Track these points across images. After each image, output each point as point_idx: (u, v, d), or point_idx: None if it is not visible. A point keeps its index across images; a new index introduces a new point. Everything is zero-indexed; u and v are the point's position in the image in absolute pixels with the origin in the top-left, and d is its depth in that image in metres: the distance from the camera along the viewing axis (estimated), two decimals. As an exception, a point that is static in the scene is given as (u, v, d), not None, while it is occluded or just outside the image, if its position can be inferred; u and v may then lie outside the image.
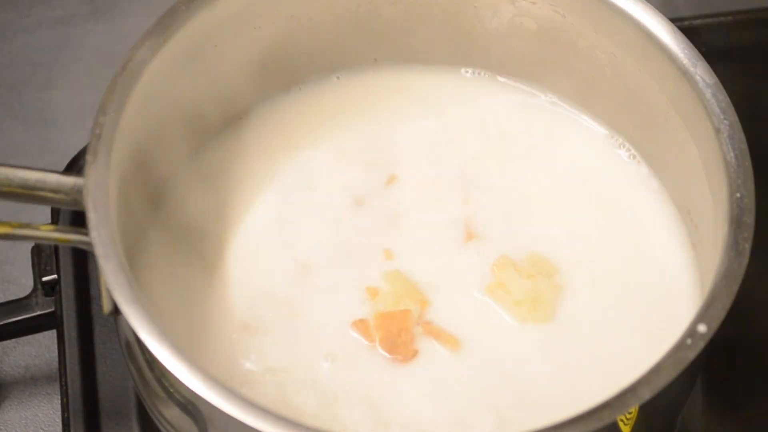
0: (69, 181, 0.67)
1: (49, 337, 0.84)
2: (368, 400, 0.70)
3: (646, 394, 0.61)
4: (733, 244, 0.66)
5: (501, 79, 0.83)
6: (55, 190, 0.67)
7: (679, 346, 0.63)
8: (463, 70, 0.83)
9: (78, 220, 0.67)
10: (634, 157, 0.80)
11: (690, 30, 0.75)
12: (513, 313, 0.73)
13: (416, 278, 0.75)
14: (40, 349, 0.86)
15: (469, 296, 0.74)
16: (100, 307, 0.80)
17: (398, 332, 0.72)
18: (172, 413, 0.68)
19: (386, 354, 0.72)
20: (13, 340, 0.85)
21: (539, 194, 0.79)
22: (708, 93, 0.71)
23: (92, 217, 0.65)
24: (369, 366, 0.72)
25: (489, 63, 0.83)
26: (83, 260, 0.82)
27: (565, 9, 0.76)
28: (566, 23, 0.77)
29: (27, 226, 0.69)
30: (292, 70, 0.81)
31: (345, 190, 0.78)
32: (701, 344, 0.63)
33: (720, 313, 0.64)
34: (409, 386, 0.71)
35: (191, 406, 0.65)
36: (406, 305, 0.73)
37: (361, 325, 0.73)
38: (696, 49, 0.72)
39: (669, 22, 0.73)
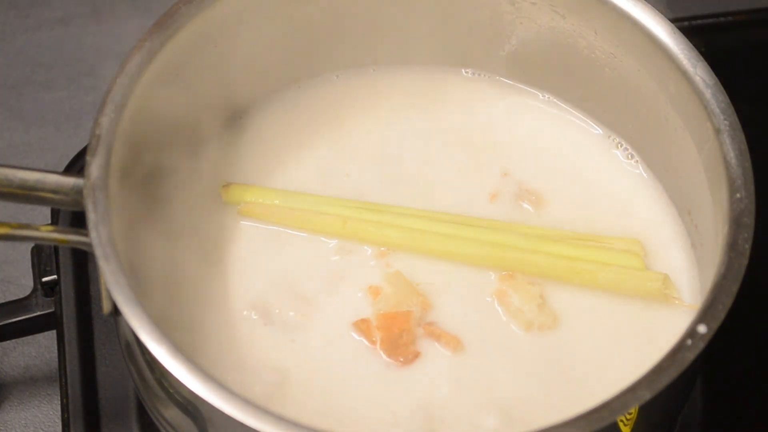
0: (69, 181, 0.67)
1: (49, 338, 0.84)
2: (369, 401, 0.70)
3: (646, 395, 0.61)
4: (733, 244, 0.66)
5: (501, 79, 0.83)
6: (54, 191, 0.67)
7: (679, 347, 0.63)
8: (463, 71, 0.83)
9: (78, 220, 0.67)
10: (633, 156, 0.80)
11: (690, 30, 0.75)
12: (518, 321, 0.73)
13: (418, 280, 0.75)
14: (40, 350, 0.86)
15: (472, 300, 0.74)
16: (100, 307, 0.80)
17: (399, 333, 0.72)
18: (172, 414, 0.68)
19: (387, 357, 0.72)
20: (13, 340, 0.85)
21: (539, 194, 0.78)
22: (708, 93, 0.71)
23: (92, 218, 0.65)
24: (369, 367, 0.72)
25: (489, 64, 0.83)
26: (83, 260, 0.82)
27: (565, 9, 0.76)
28: (566, 24, 0.77)
29: (27, 226, 0.69)
30: (292, 70, 0.81)
31: (346, 189, 0.78)
32: (701, 344, 0.63)
33: (720, 313, 0.64)
34: (411, 388, 0.71)
35: (191, 406, 0.65)
36: (407, 306, 0.73)
37: (362, 325, 0.73)
38: (696, 49, 0.72)
39: (669, 22, 0.73)
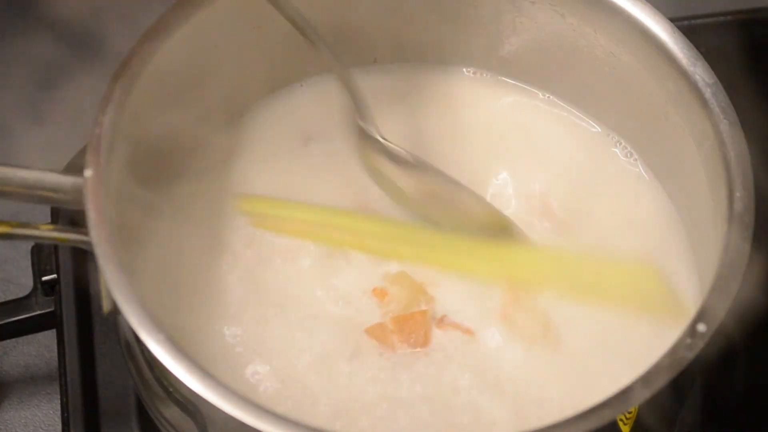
0: (68, 180, 0.67)
1: (48, 337, 0.84)
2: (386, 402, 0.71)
3: (646, 394, 0.61)
4: (733, 244, 0.66)
5: (502, 79, 0.83)
6: (54, 190, 0.67)
7: (679, 346, 0.63)
8: (464, 70, 0.83)
9: (78, 219, 0.67)
10: (632, 155, 0.80)
11: (690, 30, 0.75)
12: (523, 339, 0.73)
13: (420, 279, 0.75)
14: (39, 349, 0.86)
15: (474, 309, 0.74)
16: (100, 306, 0.80)
17: (417, 334, 0.72)
18: (171, 413, 0.68)
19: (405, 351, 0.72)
20: (13, 339, 0.85)
21: (538, 195, 0.78)
22: (707, 92, 0.71)
23: (92, 217, 0.65)
24: (385, 370, 0.72)
25: (490, 63, 0.83)
26: (83, 260, 0.82)
27: (565, 9, 0.76)
28: (566, 23, 0.77)
29: (27, 225, 0.69)
30: (291, 68, 0.81)
31: (346, 190, 0.78)
32: (701, 344, 0.63)
33: (720, 313, 0.64)
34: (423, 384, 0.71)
35: (191, 405, 0.65)
36: (417, 306, 0.73)
37: (377, 330, 0.72)
38: (696, 49, 0.72)
39: (669, 22, 0.73)
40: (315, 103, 0.82)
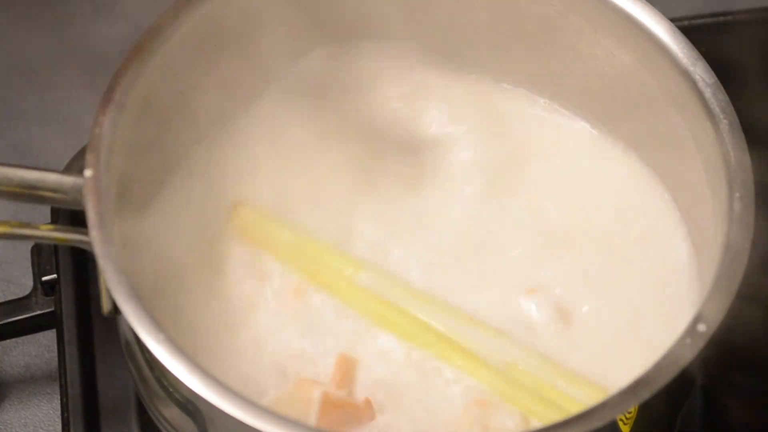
0: (68, 180, 0.68)
1: (48, 337, 0.84)
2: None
3: (646, 394, 0.61)
4: (733, 244, 0.66)
5: (500, 82, 0.83)
6: (54, 190, 0.68)
7: (679, 346, 0.63)
8: (467, 74, 0.83)
9: (78, 219, 0.67)
10: (632, 156, 0.80)
11: (690, 30, 0.75)
12: None
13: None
14: (39, 349, 0.86)
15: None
16: (100, 307, 0.80)
17: None
18: (171, 413, 0.68)
19: None
20: (13, 339, 0.85)
21: (539, 201, 0.78)
22: (708, 92, 0.71)
23: (92, 217, 0.65)
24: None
25: (489, 65, 0.82)
26: (83, 260, 0.82)
27: (565, 8, 0.76)
28: (566, 23, 0.77)
29: (27, 225, 0.69)
30: (291, 68, 0.81)
31: (344, 197, 0.78)
32: (701, 344, 0.63)
33: (720, 313, 0.64)
34: None
35: (191, 405, 0.65)
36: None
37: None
38: (696, 49, 0.72)
39: (669, 22, 0.73)
40: (313, 104, 0.81)
